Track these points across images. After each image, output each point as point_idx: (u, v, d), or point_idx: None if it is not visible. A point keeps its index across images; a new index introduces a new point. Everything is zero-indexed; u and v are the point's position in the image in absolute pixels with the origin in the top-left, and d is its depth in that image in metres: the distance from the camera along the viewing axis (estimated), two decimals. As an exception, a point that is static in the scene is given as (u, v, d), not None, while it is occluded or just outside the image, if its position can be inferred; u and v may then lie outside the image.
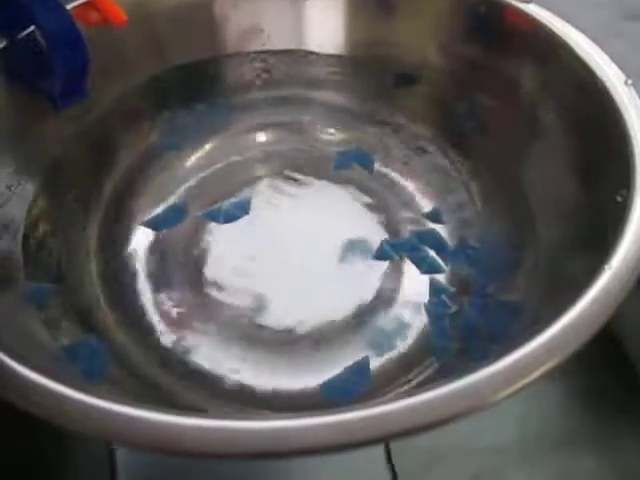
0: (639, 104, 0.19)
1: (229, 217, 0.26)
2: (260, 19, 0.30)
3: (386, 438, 0.13)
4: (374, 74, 0.30)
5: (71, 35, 0.23)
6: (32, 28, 0.23)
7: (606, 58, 0.21)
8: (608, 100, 0.20)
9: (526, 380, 0.14)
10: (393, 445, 0.23)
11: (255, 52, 0.30)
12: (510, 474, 0.24)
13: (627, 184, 0.17)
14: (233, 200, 0.27)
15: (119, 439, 0.13)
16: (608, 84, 0.20)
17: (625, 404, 0.26)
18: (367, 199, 0.27)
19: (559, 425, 0.25)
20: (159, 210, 0.26)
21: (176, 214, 0.26)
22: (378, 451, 0.23)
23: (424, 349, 0.22)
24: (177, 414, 0.13)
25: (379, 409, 0.13)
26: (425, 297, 0.23)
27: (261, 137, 0.30)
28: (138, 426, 0.12)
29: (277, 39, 0.30)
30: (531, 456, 0.25)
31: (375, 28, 0.30)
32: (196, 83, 0.29)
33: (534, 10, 0.25)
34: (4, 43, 0.23)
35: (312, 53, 0.30)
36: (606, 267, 0.15)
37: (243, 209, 0.26)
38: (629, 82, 0.20)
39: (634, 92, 0.20)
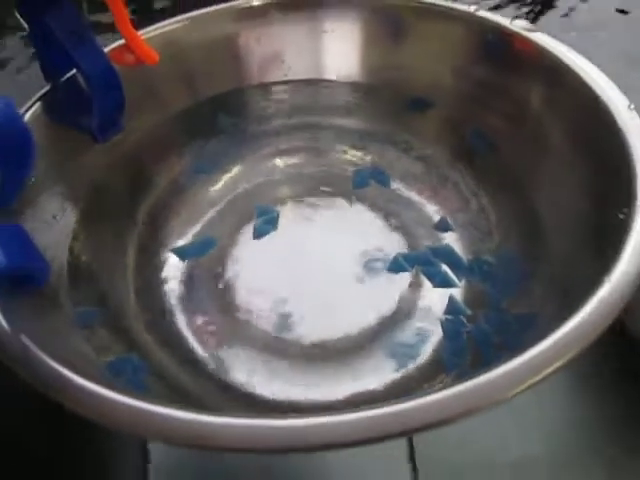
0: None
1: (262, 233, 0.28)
2: (281, 51, 0.32)
3: (404, 433, 0.15)
4: (389, 99, 0.31)
5: (109, 77, 0.25)
6: (73, 71, 0.25)
7: (610, 83, 0.22)
8: (612, 124, 0.21)
9: (532, 380, 0.15)
10: (418, 457, 0.24)
11: (277, 82, 0.32)
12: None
13: (628, 203, 0.18)
14: (262, 217, 0.28)
15: (160, 438, 0.15)
16: (612, 108, 0.21)
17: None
18: (385, 215, 0.29)
19: (588, 440, 0.25)
20: (188, 239, 0.28)
21: (203, 246, 0.28)
22: (402, 463, 0.24)
23: (439, 364, 0.23)
24: (211, 414, 0.15)
25: (397, 406, 0.15)
26: (443, 313, 0.24)
27: (284, 161, 0.31)
28: (177, 425, 0.15)
29: (297, 69, 0.32)
30: (559, 472, 0.24)
31: (389, 56, 0.31)
32: (223, 113, 0.31)
33: (540, 37, 0.26)
34: (49, 86, 0.25)
35: (330, 81, 0.32)
36: (605, 279, 0.16)
37: (272, 224, 0.28)
38: (632, 107, 0.21)
39: (637, 116, 0.21)
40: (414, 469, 0.24)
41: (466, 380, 0.15)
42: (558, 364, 0.15)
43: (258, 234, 0.28)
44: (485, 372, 0.15)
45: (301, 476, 0.23)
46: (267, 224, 0.28)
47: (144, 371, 0.21)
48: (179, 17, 0.30)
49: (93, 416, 0.16)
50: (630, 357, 0.26)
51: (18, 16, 0.24)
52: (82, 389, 0.16)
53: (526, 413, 0.25)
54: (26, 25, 0.24)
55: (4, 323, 0.17)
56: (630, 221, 0.18)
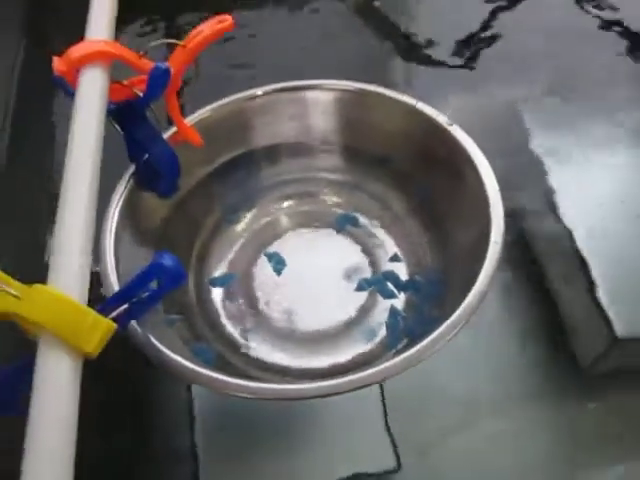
0: (500, 209, 0.34)
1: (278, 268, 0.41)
2: (279, 121, 0.43)
3: (372, 383, 0.28)
4: (361, 157, 0.43)
5: (170, 159, 0.38)
6: (147, 155, 0.38)
7: (492, 174, 0.35)
8: (486, 200, 0.34)
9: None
10: (387, 395, 0.35)
11: (278, 144, 0.45)
12: (480, 424, 0.31)
13: (483, 257, 0.32)
14: (276, 259, 0.41)
15: (214, 389, 0.29)
16: (488, 192, 0.35)
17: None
18: (357, 244, 0.42)
19: (527, 380, 0.32)
20: (219, 273, 0.41)
21: (226, 279, 0.41)
22: (377, 408, 0.34)
23: (386, 345, 0.36)
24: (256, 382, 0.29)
25: (371, 369, 0.28)
26: (388, 316, 0.38)
27: (286, 204, 0.44)
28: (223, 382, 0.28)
29: (291, 135, 0.44)
30: (501, 404, 0.31)
31: (360, 125, 0.43)
32: (240, 172, 0.44)
33: (455, 130, 0.38)
34: (134, 167, 0.38)
35: (318, 144, 0.44)
36: (463, 302, 0.30)
37: (282, 263, 0.42)
38: (498, 189, 0.34)
39: (500, 197, 0.34)
40: (385, 409, 0.33)
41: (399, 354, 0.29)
42: (441, 345, 0.29)
43: (277, 271, 0.41)
44: (407, 350, 0.29)
45: (301, 417, 0.37)
46: (279, 264, 0.41)
47: (211, 354, 0.35)
48: (207, 107, 0.42)
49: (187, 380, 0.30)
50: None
51: (116, 125, 0.36)
52: (181, 364, 0.30)
53: (475, 359, 0.34)
54: (120, 129, 0.37)
55: (138, 327, 0.31)
56: (479, 270, 0.31)
